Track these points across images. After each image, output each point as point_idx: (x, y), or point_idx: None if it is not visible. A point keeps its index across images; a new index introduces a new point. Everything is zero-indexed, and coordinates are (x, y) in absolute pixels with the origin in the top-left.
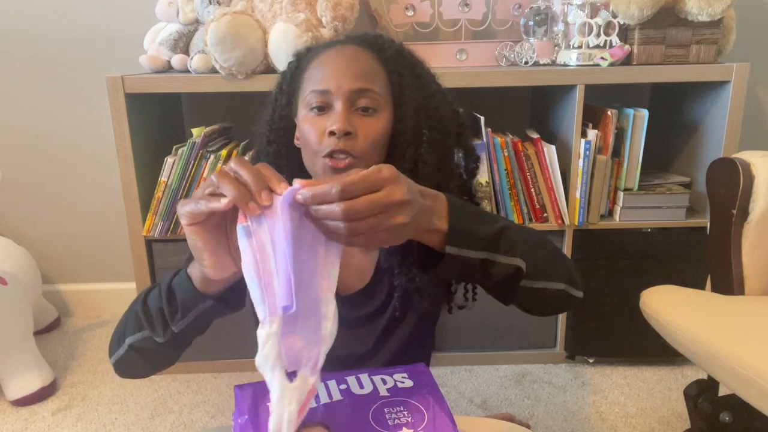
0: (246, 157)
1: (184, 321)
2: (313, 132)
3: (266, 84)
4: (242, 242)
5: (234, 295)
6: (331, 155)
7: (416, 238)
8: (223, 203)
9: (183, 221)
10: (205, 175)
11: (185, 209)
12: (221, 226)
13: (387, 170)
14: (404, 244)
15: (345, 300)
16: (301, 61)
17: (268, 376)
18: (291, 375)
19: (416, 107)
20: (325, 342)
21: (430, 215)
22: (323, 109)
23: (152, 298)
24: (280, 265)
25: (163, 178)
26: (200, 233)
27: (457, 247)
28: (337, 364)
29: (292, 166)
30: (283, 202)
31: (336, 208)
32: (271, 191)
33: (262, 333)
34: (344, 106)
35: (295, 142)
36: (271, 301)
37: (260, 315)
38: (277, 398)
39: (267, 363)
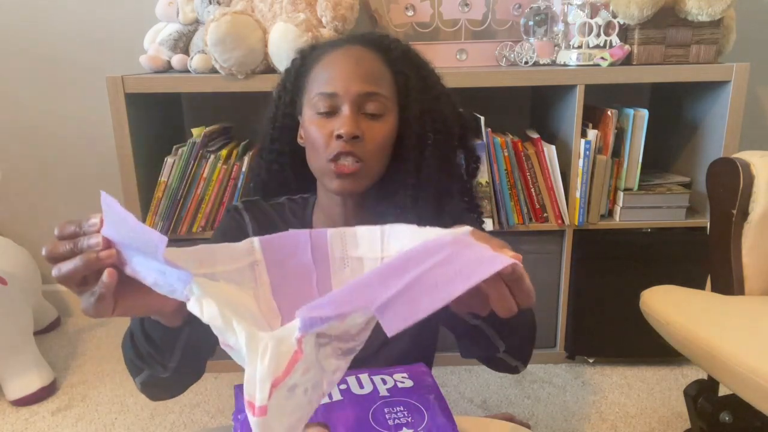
0: (246, 157)
1: (175, 355)
2: (319, 135)
3: (266, 84)
4: (133, 274)
5: None
6: (337, 158)
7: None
8: (108, 279)
9: (107, 315)
10: (205, 175)
11: (97, 311)
12: (126, 283)
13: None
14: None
15: None
16: (305, 59)
17: (231, 337)
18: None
19: (422, 109)
20: (340, 319)
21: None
22: (330, 111)
23: (138, 342)
24: (150, 252)
25: (163, 178)
26: (129, 305)
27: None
28: None
29: (295, 164)
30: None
31: (510, 298)
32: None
33: (192, 305)
34: (351, 110)
35: (299, 140)
36: (173, 278)
37: (180, 296)
38: (246, 347)
39: (216, 322)
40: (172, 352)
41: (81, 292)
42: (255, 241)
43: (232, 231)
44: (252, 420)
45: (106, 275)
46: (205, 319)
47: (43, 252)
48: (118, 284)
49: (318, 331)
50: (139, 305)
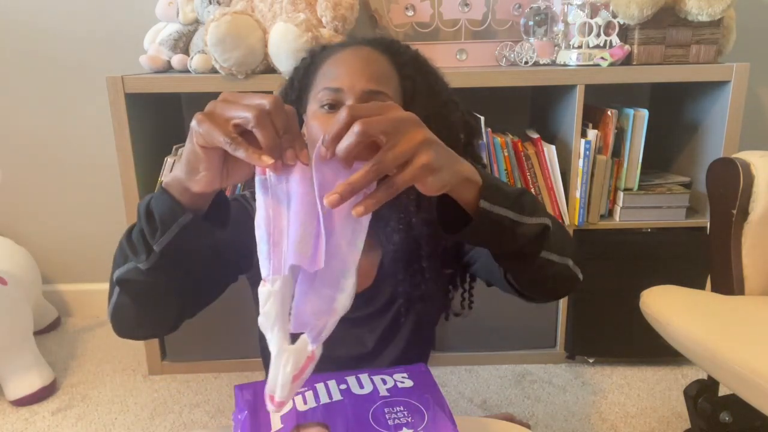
0: None
1: (165, 238)
2: (321, 129)
3: (266, 84)
4: (259, 196)
5: (215, 211)
6: None
7: (452, 190)
8: (267, 163)
9: (197, 140)
10: None
11: (213, 136)
12: (235, 161)
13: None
14: (409, 248)
15: None
16: (314, 58)
17: (268, 334)
18: (294, 337)
19: (427, 114)
20: (335, 314)
21: (463, 165)
22: (334, 107)
23: (140, 219)
24: (294, 224)
25: (163, 178)
26: (210, 153)
27: (490, 202)
28: (338, 364)
29: None
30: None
31: (355, 128)
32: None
33: (263, 291)
34: None
35: None
36: (276, 260)
37: (264, 272)
38: (274, 357)
39: (267, 322)
40: (164, 232)
41: (229, 136)
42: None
43: (239, 215)
44: (270, 407)
45: (269, 160)
46: (262, 310)
47: (253, 115)
48: (233, 159)
49: (327, 334)
50: (215, 161)
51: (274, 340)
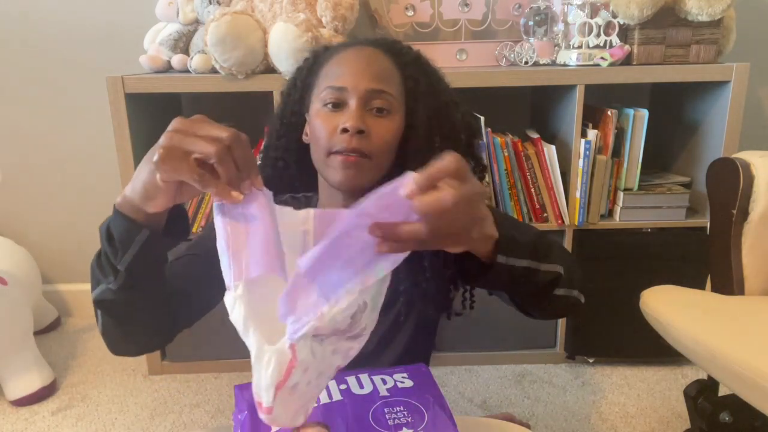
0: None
1: (127, 257)
2: (324, 128)
3: (266, 84)
4: (217, 219)
5: (173, 224)
6: (341, 152)
7: (471, 245)
8: (237, 199)
9: (161, 176)
10: None
11: (180, 174)
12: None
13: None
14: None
15: None
16: (318, 57)
17: (247, 339)
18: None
19: (429, 114)
20: (320, 320)
21: (486, 223)
22: (338, 105)
23: (102, 243)
24: (260, 240)
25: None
26: (170, 184)
27: (506, 255)
28: None
29: (299, 161)
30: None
31: (451, 199)
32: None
33: (228, 298)
34: (359, 105)
35: (303, 138)
36: (237, 268)
37: (227, 281)
38: (254, 359)
39: (240, 326)
40: (126, 251)
41: (191, 171)
42: (311, 211)
43: None
44: (261, 416)
45: (238, 195)
46: (231, 318)
47: (215, 150)
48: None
49: (305, 334)
50: (172, 190)
51: (252, 342)
